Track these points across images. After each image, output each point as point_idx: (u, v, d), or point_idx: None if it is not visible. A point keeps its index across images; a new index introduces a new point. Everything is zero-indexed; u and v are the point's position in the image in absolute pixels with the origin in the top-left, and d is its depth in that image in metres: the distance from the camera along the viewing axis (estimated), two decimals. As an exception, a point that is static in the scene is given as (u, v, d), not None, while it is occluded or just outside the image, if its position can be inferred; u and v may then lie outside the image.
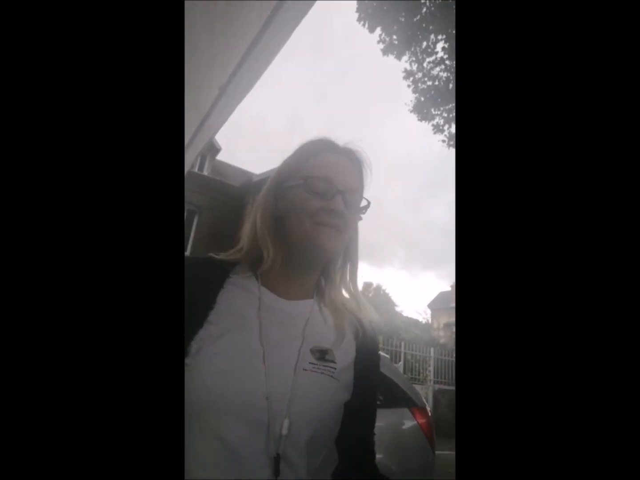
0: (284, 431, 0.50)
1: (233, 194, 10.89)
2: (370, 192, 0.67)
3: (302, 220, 0.59)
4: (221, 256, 0.63)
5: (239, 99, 1.25)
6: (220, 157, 12.86)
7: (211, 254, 0.62)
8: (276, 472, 0.48)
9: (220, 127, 1.51)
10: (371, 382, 0.62)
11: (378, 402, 0.67)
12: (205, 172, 11.47)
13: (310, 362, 0.56)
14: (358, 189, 0.63)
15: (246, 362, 0.52)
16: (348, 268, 0.66)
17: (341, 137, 0.66)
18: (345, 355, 0.60)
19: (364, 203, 0.64)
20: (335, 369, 0.57)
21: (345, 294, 0.66)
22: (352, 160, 0.64)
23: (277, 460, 0.49)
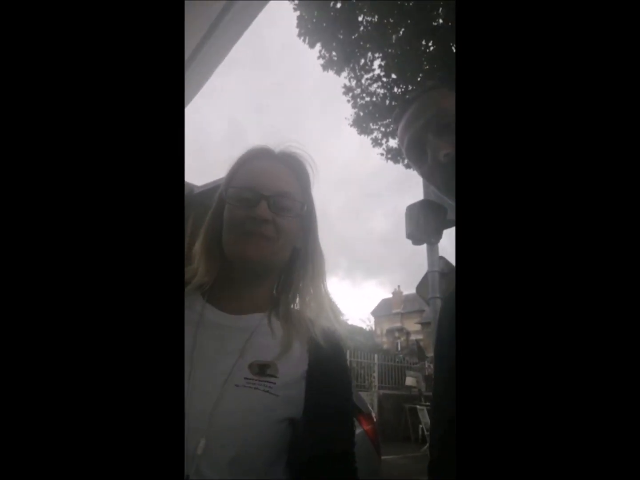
0: (199, 451, 0.47)
1: (172, 205, 10.45)
2: (315, 197, 0.66)
3: (230, 233, 0.58)
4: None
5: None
6: (157, 166, 12.29)
7: None
8: None
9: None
10: (332, 396, 0.58)
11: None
12: (140, 182, 10.89)
13: (245, 378, 0.54)
14: (290, 192, 0.61)
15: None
16: (308, 273, 0.64)
17: (279, 144, 0.65)
18: (293, 369, 0.57)
19: (306, 206, 0.63)
20: (274, 383, 0.54)
21: (310, 301, 0.64)
22: (287, 164, 0.64)
23: None
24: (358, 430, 2.56)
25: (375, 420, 2.76)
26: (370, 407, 2.86)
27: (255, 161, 0.63)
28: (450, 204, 0.60)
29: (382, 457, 2.81)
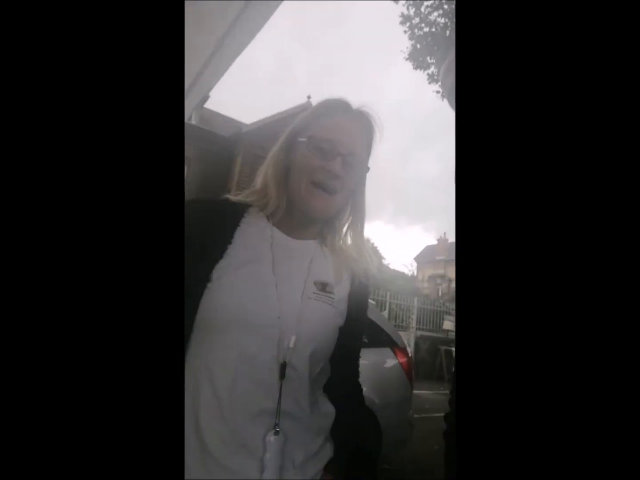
0: (291, 344, 0.61)
1: (223, 145, 10.56)
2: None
3: (301, 178, 0.65)
4: (237, 198, 0.71)
5: (237, 52, 1.25)
6: (208, 105, 12.33)
7: (228, 196, 0.70)
8: (282, 375, 0.60)
9: (217, 81, 1.49)
10: (361, 314, 0.74)
11: (365, 342, 0.79)
12: (193, 122, 11.05)
13: (313, 292, 0.66)
14: (361, 153, 0.68)
15: (261, 288, 0.63)
16: (352, 221, 0.74)
17: (357, 99, 0.69)
18: (341, 290, 0.70)
19: (365, 167, 0.69)
20: (333, 299, 0.68)
21: (351, 242, 0.75)
22: (361, 124, 0.69)
23: (283, 366, 0.60)
24: (393, 362, 2.76)
25: (410, 354, 2.94)
26: (405, 343, 3.03)
27: (335, 115, 0.67)
28: None
29: (417, 392, 3.03)
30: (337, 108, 0.68)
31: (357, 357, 0.77)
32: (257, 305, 0.61)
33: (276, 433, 0.58)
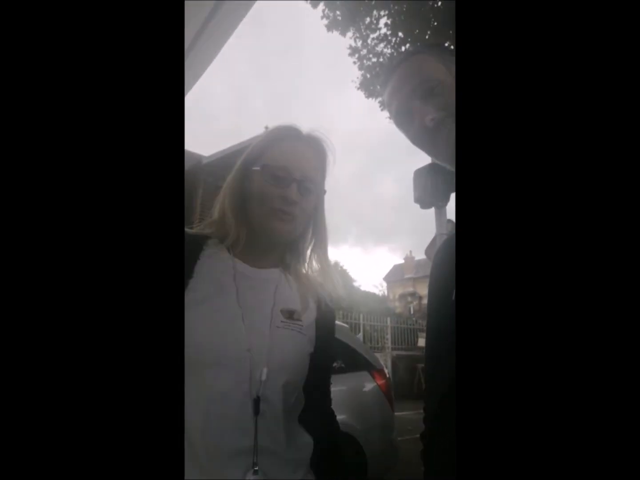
0: (263, 377, 0.59)
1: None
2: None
3: (260, 205, 0.65)
4: (194, 230, 0.69)
5: (191, 83, 1.25)
6: (164, 139, 12.17)
7: (185, 228, 0.68)
8: (256, 410, 0.58)
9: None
10: (328, 339, 0.73)
11: (342, 367, 0.78)
12: (150, 157, 10.81)
13: (281, 321, 0.65)
14: (316, 177, 0.69)
15: (228, 322, 0.61)
16: (315, 244, 0.74)
17: (306, 125, 0.71)
18: (308, 316, 0.69)
19: (321, 189, 0.71)
20: (302, 326, 0.67)
21: (316, 266, 0.75)
22: (313, 148, 0.70)
23: (257, 401, 0.58)
24: (371, 385, 2.72)
25: (388, 375, 2.92)
26: (382, 364, 3.01)
27: (287, 141, 0.69)
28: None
29: (398, 414, 2.99)
30: (288, 135, 0.69)
31: (328, 384, 0.76)
32: (225, 340, 0.59)
33: (255, 472, 0.56)
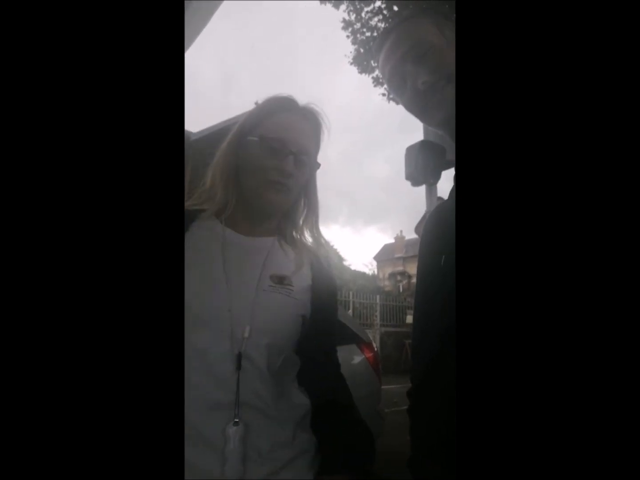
0: (246, 334, 0.61)
1: (171, 154, 10.22)
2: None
3: (255, 176, 0.67)
4: (188, 203, 0.70)
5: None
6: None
7: None
8: (238, 366, 0.60)
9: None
10: (327, 304, 0.74)
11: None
12: (137, 131, 10.55)
13: (269, 285, 0.67)
14: (311, 150, 0.70)
15: (211, 285, 0.63)
16: (309, 215, 0.76)
17: (303, 96, 0.72)
18: (301, 280, 0.71)
19: (315, 162, 0.72)
20: (292, 290, 0.68)
21: (308, 236, 0.76)
22: (309, 121, 0.71)
23: (239, 357, 0.60)
24: (360, 358, 2.80)
25: (376, 349, 3.00)
26: (370, 338, 3.08)
27: (284, 113, 0.69)
28: (450, 144, 0.65)
29: (385, 387, 3.08)
30: (284, 106, 0.70)
31: (333, 347, 0.76)
32: (205, 301, 0.61)
33: (235, 424, 0.58)
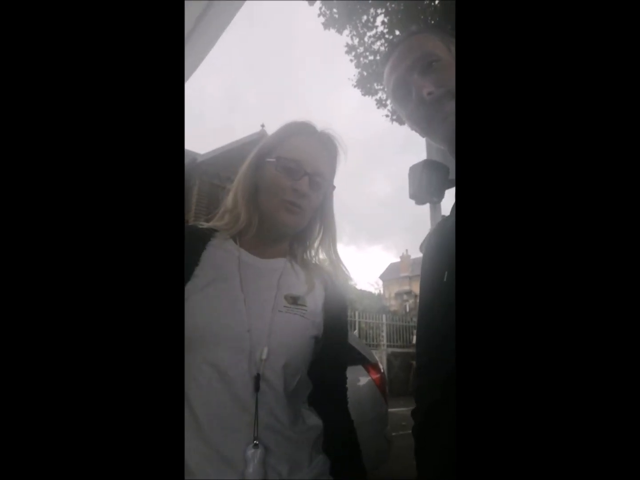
0: (264, 356, 0.61)
1: (178, 175, 10.36)
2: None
3: (271, 196, 0.69)
4: (205, 225, 0.73)
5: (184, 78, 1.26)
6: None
7: (195, 223, 0.72)
8: (256, 387, 0.60)
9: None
10: (339, 326, 0.75)
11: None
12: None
13: (284, 306, 0.67)
14: (326, 172, 0.72)
15: (229, 304, 0.63)
16: (325, 237, 0.77)
17: (319, 122, 0.74)
18: (314, 301, 0.72)
19: (330, 185, 0.74)
20: (305, 311, 0.69)
21: (324, 257, 0.77)
22: (326, 145, 0.73)
23: (257, 378, 0.61)
24: (366, 379, 2.75)
25: (382, 370, 2.94)
26: (377, 359, 3.03)
27: (301, 136, 0.72)
28: (452, 162, 0.62)
29: (392, 410, 3.01)
30: (301, 130, 0.73)
31: (342, 368, 0.76)
32: (226, 320, 0.62)
33: (255, 446, 0.58)
